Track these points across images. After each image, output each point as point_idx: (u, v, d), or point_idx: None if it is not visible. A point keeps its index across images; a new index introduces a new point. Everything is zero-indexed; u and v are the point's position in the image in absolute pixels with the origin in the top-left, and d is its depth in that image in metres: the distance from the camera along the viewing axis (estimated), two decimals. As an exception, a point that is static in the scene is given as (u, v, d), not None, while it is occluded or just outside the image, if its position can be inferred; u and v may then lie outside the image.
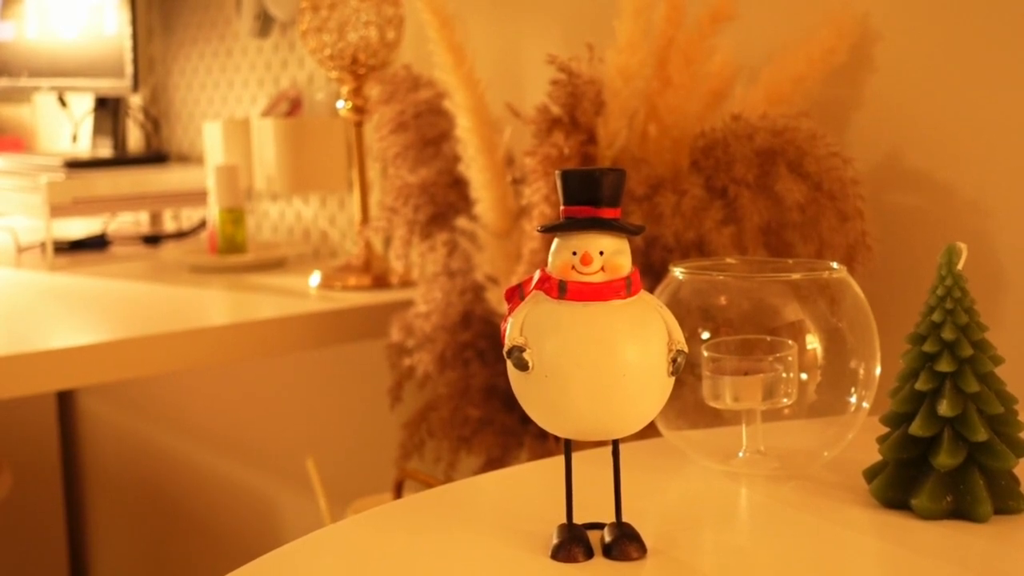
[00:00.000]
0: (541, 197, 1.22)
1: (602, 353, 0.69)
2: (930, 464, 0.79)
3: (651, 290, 0.79)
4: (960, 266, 0.79)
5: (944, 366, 0.78)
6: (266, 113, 2.12)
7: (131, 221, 2.54)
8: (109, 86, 2.29)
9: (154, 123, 2.54)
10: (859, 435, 0.89)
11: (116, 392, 2.73)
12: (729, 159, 1.21)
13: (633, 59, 1.23)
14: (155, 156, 2.38)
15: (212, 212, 1.99)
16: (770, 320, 0.89)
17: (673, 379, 0.71)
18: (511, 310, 0.72)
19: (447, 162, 1.47)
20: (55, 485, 2.87)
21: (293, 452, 2.15)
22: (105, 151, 2.42)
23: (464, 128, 1.36)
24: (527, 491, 0.88)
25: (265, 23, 2.13)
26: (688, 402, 0.90)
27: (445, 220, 1.48)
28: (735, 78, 1.32)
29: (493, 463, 1.42)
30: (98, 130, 2.46)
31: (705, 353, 0.87)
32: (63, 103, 2.61)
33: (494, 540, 0.77)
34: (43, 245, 2.06)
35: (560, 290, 0.70)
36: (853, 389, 0.89)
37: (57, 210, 2.02)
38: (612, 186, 0.69)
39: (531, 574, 0.72)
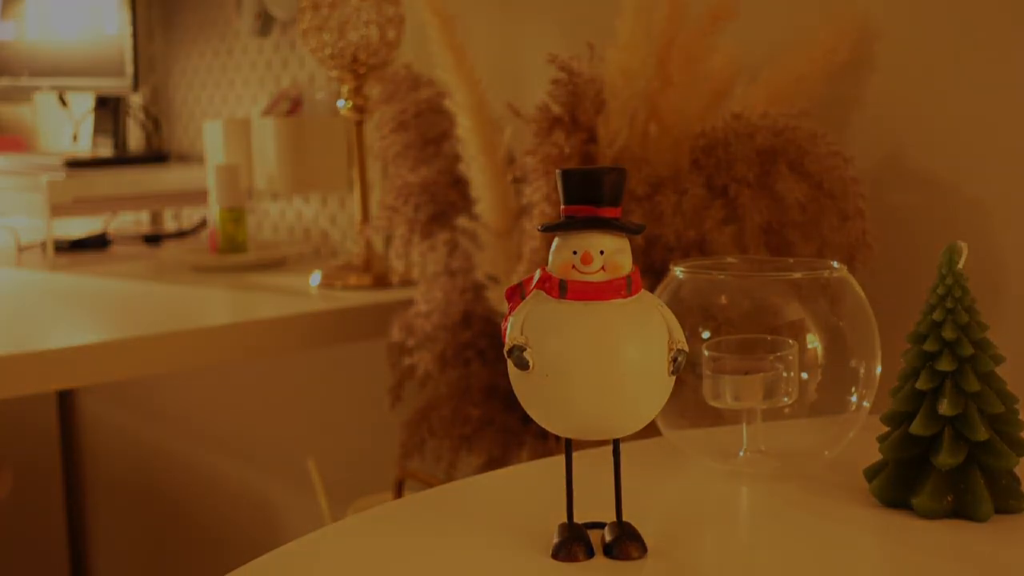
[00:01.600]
0: (542, 196, 1.22)
1: (603, 352, 0.69)
2: (931, 463, 0.79)
3: (652, 289, 0.79)
4: (961, 265, 0.79)
5: (945, 365, 0.78)
6: (266, 112, 2.12)
7: (132, 221, 2.54)
8: (109, 85, 2.29)
9: (155, 122, 2.54)
10: (859, 434, 0.89)
11: (116, 392, 2.73)
12: (730, 158, 1.21)
13: (634, 58, 1.23)
14: (156, 155, 2.38)
15: (213, 211, 1.99)
16: (771, 319, 0.89)
17: (674, 378, 0.71)
18: (512, 309, 0.72)
19: (448, 161, 1.47)
20: (55, 485, 2.87)
21: (293, 452, 2.15)
22: (106, 151, 2.42)
23: (465, 127, 1.36)
24: (527, 491, 0.88)
25: (265, 22, 2.13)
26: (689, 401, 0.90)
27: (446, 219, 1.48)
28: (736, 77, 1.32)
29: (494, 463, 1.42)
30: (99, 130, 2.46)
31: (706, 352, 0.87)
32: (63, 103, 2.61)
33: (494, 540, 0.77)
34: (43, 245, 2.06)
35: (561, 289, 0.70)
36: (854, 388, 0.89)
37: (58, 210, 2.02)
38: (612, 185, 0.69)
39: (531, 573, 0.72)
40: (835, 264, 0.91)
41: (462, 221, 1.40)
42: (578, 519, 0.74)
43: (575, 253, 0.70)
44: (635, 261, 0.72)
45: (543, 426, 0.72)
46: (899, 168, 1.29)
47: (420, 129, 1.50)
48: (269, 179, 2.02)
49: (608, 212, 0.69)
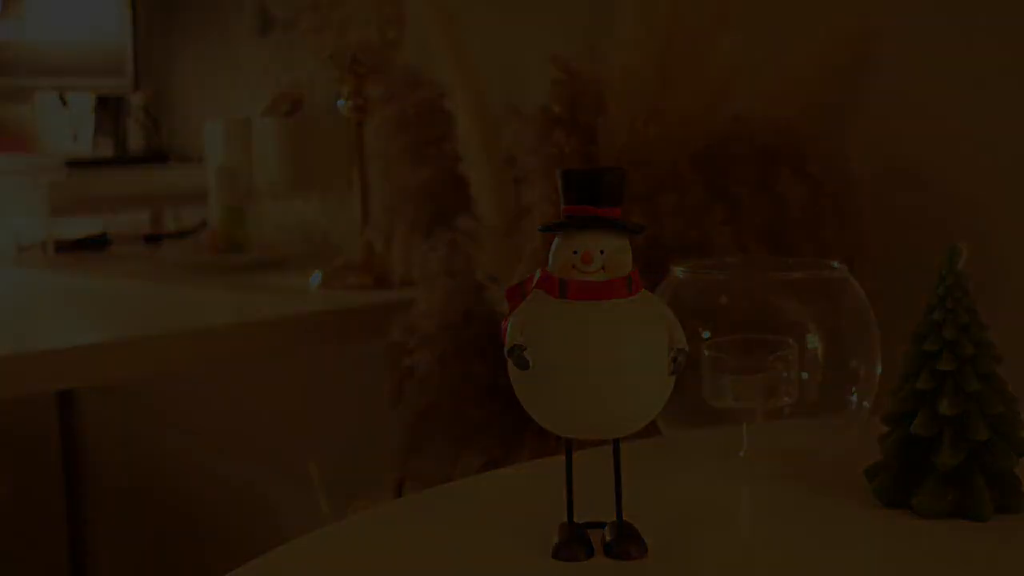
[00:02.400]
0: (542, 197, 1.22)
1: (603, 352, 0.69)
2: (931, 463, 0.79)
3: (652, 289, 0.79)
4: (960, 266, 0.79)
5: (945, 365, 0.78)
6: (267, 112, 2.12)
7: (132, 221, 2.54)
8: (110, 85, 2.29)
9: (155, 122, 2.54)
10: (860, 434, 0.89)
11: (116, 392, 2.73)
12: (730, 159, 1.21)
13: (634, 59, 1.23)
14: (156, 155, 2.38)
15: (213, 212, 1.99)
16: (771, 319, 0.89)
17: (674, 378, 0.71)
18: (512, 309, 0.72)
19: (448, 162, 1.47)
20: (55, 485, 2.87)
21: (293, 452, 2.15)
22: (106, 151, 2.42)
23: (465, 128, 1.36)
24: (527, 491, 0.88)
25: (265, 22, 2.13)
26: (689, 401, 0.90)
27: (446, 219, 1.48)
28: (736, 78, 1.32)
29: (494, 463, 1.42)
30: (99, 130, 2.47)
31: (706, 352, 0.87)
32: (64, 103, 2.61)
33: (494, 540, 0.77)
34: (44, 245, 2.06)
35: (561, 289, 0.70)
36: (854, 388, 0.89)
37: (58, 210, 2.02)
38: (612, 185, 0.69)
39: (531, 574, 0.72)
40: (835, 264, 0.91)
41: (462, 221, 1.40)
42: (578, 519, 0.74)
43: (575, 253, 0.70)
44: (635, 261, 0.72)
45: (543, 426, 0.72)
46: (899, 168, 1.29)
47: (420, 129, 1.50)
48: (269, 179, 2.02)
49: (608, 212, 0.69)
